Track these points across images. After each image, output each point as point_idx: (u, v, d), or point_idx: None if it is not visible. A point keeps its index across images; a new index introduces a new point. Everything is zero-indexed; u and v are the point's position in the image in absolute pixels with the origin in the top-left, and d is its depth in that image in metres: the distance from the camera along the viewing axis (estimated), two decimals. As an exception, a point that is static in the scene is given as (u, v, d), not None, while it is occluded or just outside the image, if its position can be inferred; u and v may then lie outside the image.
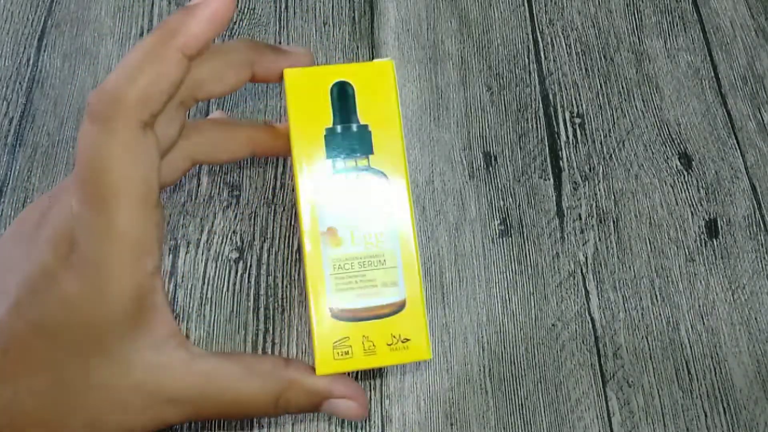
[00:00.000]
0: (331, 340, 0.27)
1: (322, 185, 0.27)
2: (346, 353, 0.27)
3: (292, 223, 0.39)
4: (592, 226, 0.41)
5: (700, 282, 0.40)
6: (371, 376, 0.36)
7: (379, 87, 0.28)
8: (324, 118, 0.27)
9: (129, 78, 0.24)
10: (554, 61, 0.46)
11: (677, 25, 0.48)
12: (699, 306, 0.39)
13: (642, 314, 0.38)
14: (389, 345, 0.27)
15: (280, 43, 0.45)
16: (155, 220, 0.25)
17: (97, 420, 0.24)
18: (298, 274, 0.37)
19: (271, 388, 0.26)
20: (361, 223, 0.28)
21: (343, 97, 0.28)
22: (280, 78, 0.28)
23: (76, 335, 0.24)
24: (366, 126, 0.28)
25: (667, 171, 0.43)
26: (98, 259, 0.23)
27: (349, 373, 0.36)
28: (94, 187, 0.23)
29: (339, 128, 0.28)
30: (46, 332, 0.23)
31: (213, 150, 0.30)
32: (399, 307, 0.28)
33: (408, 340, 0.28)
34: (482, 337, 0.37)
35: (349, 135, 0.28)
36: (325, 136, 0.27)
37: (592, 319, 0.38)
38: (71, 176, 0.25)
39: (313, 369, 0.27)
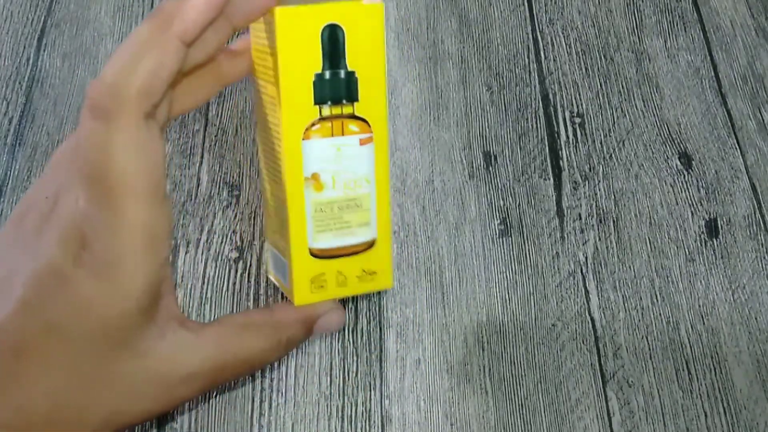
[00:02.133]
0: (309, 277, 0.29)
1: (308, 131, 0.28)
2: (321, 287, 0.29)
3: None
4: (592, 225, 0.41)
5: (700, 282, 0.40)
6: (371, 376, 0.36)
7: (368, 31, 0.28)
8: (313, 61, 0.27)
9: (129, 69, 0.23)
10: (554, 60, 0.46)
11: (677, 24, 0.48)
12: (699, 306, 0.39)
13: (642, 314, 0.39)
14: (358, 277, 0.29)
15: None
16: (165, 211, 0.24)
17: (114, 413, 0.25)
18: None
19: (273, 336, 0.28)
20: (343, 169, 0.28)
21: (333, 41, 0.28)
22: (260, 16, 0.27)
23: (91, 333, 0.24)
24: (353, 73, 0.28)
25: (667, 171, 0.43)
26: (112, 256, 0.23)
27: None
28: (101, 184, 0.23)
29: (328, 74, 0.27)
30: (59, 332, 0.23)
31: (184, 99, 0.29)
32: (370, 245, 0.29)
33: (375, 273, 0.30)
34: (482, 337, 0.37)
35: (337, 81, 0.28)
36: (314, 82, 0.27)
37: (592, 319, 0.38)
38: (71, 172, 0.25)
39: (292, 303, 0.29)
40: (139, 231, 0.24)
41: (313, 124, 0.28)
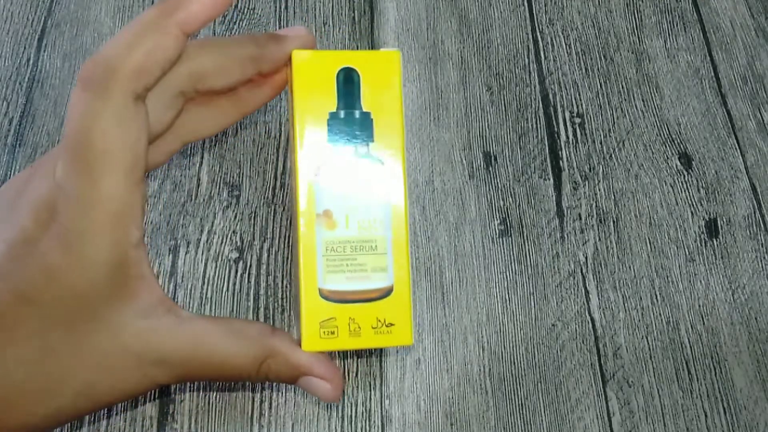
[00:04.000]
0: (319, 319, 0.28)
1: (321, 168, 0.28)
2: (332, 333, 0.28)
3: (292, 221, 0.39)
4: (592, 226, 0.41)
5: (700, 282, 0.40)
6: (371, 375, 0.36)
7: (384, 76, 0.28)
8: (328, 102, 0.28)
9: (125, 48, 0.23)
10: (554, 60, 0.46)
11: (677, 24, 0.48)
12: (699, 306, 0.39)
13: (642, 314, 0.39)
14: (374, 328, 0.28)
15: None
16: (140, 193, 0.25)
17: (89, 386, 0.25)
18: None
19: (256, 353, 0.27)
20: (357, 209, 0.28)
21: (348, 83, 0.28)
22: (287, 64, 0.28)
23: (62, 303, 0.24)
24: (368, 113, 0.28)
25: (667, 171, 0.43)
26: (80, 228, 0.23)
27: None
28: (80, 154, 0.23)
29: (342, 113, 0.28)
30: (31, 301, 0.23)
31: (201, 126, 0.29)
32: (386, 293, 0.29)
33: (392, 325, 0.28)
34: (482, 337, 0.37)
35: (351, 121, 0.28)
36: (328, 120, 0.28)
37: (592, 319, 0.38)
38: (59, 145, 0.25)
39: (298, 343, 0.28)
40: (109, 206, 0.24)
41: (325, 161, 0.28)
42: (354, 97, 0.28)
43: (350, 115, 0.28)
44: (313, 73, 0.28)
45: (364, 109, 0.28)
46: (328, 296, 0.28)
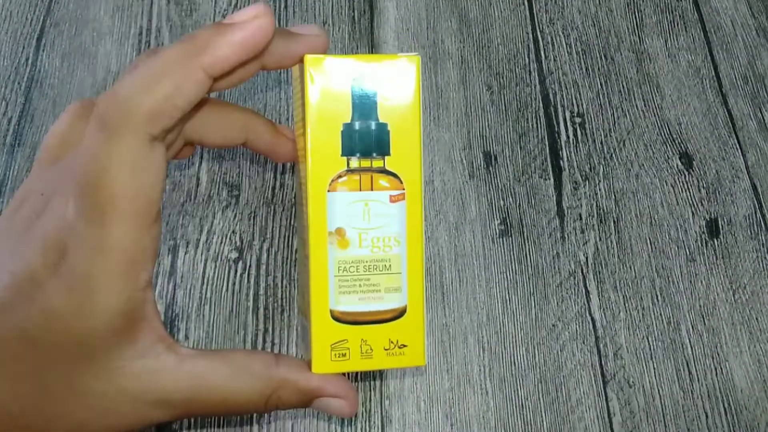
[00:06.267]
0: (329, 342, 0.27)
1: (334, 183, 0.26)
2: (344, 355, 0.27)
3: (292, 223, 0.39)
4: (593, 225, 0.41)
5: (701, 282, 0.40)
6: (371, 376, 0.36)
7: (403, 84, 0.26)
8: (342, 111, 0.26)
9: (145, 88, 0.22)
10: (554, 60, 0.46)
11: (678, 24, 0.48)
12: (700, 306, 0.39)
13: (643, 314, 0.38)
14: (386, 350, 0.27)
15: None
16: (153, 235, 0.24)
17: (82, 425, 0.24)
18: (298, 274, 0.37)
19: (262, 388, 0.26)
20: (371, 227, 0.27)
21: (364, 92, 0.26)
22: (293, 64, 0.26)
23: (61, 345, 0.23)
24: (385, 125, 0.26)
25: (667, 171, 0.43)
26: (88, 273, 0.23)
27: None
28: (93, 198, 0.23)
29: (357, 125, 0.26)
30: (31, 340, 0.23)
31: (206, 131, 0.28)
32: (400, 314, 0.27)
33: (405, 346, 0.27)
34: (482, 337, 0.37)
35: (367, 133, 0.26)
36: (342, 131, 0.26)
37: (592, 320, 0.38)
38: (67, 174, 0.24)
39: (305, 365, 0.27)
40: (120, 254, 0.23)
41: (339, 176, 0.26)
42: (370, 108, 0.26)
43: (365, 127, 0.26)
44: (327, 81, 0.26)
45: (381, 120, 0.26)
46: (339, 318, 0.27)
